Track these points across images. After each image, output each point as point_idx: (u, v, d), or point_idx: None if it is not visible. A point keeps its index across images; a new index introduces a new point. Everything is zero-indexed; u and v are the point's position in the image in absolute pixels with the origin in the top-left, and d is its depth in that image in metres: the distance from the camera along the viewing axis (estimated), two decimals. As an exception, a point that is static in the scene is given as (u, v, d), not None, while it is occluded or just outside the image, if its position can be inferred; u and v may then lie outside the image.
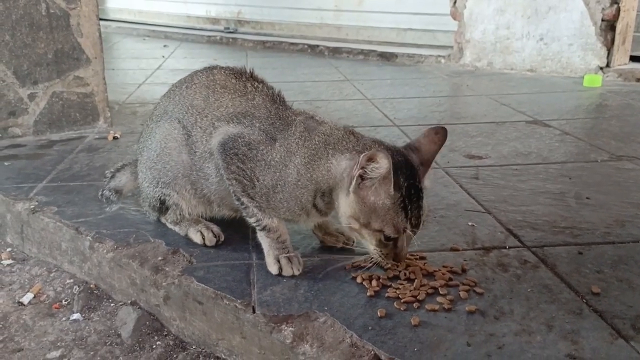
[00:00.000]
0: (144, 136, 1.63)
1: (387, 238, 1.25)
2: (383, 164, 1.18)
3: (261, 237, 1.43)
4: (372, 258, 1.31)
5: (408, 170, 1.24)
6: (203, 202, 1.55)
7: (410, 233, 1.25)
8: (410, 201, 1.23)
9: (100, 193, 1.82)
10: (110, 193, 1.79)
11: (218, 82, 1.50)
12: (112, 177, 1.82)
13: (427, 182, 1.32)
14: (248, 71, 1.53)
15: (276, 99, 1.47)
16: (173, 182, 1.53)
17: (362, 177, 1.22)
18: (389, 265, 1.35)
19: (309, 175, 1.32)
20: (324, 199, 1.34)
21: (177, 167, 1.51)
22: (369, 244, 1.29)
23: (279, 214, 1.39)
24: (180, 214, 1.58)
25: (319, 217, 1.42)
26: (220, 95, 1.47)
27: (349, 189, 1.24)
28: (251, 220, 1.42)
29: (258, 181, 1.36)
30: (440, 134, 1.31)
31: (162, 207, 1.60)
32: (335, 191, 1.30)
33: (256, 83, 1.50)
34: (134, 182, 1.77)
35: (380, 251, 1.28)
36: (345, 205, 1.27)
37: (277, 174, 1.34)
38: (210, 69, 1.56)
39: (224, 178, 1.40)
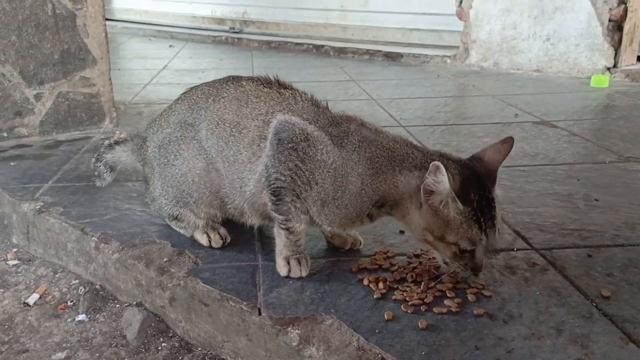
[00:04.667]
0: (161, 141, 1.53)
1: (463, 251, 1.25)
2: (441, 179, 1.19)
3: (278, 234, 1.40)
4: (448, 268, 1.31)
5: (477, 182, 1.25)
6: (232, 214, 1.51)
7: (485, 245, 1.25)
8: (482, 213, 1.23)
9: (93, 161, 1.73)
10: (105, 169, 1.72)
11: (250, 93, 1.45)
12: (111, 148, 1.73)
13: (499, 191, 1.31)
14: (274, 79, 1.49)
15: (317, 103, 1.43)
16: (196, 202, 1.49)
17: (430, 192, 1.22)
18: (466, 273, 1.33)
19: (374, 186, 1.31)
20: (383, 209, 1.34)
21: (205, 186, 1.47)
22: (445, 257, 1.29)
23: (332, 221, 1.35)
24: (192, 222, 1.55)
25: (368, 224, 1.41)
26: (256, 105, 1.42)
27: (421, 201, 1.25)
28: (279, 217, 1.36)
29: (317, 184, 1.32)
30: (507, 143, 1.30)
31: (174, 219, 1.58)
32: (404, 205, 1.30)
33: (289, 90, 1.46)
34: (132, 163, 1.71)
35: (459, 262, 1.28)
36: (419, 218, 1.28)
37: (339, 179, 1.31)
38: (237, 80, 1.50)
39: (271, 169, 1.33)
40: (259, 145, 1.39)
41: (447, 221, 1.23)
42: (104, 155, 1.73)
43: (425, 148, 1.36)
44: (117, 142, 1.74)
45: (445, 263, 1.31)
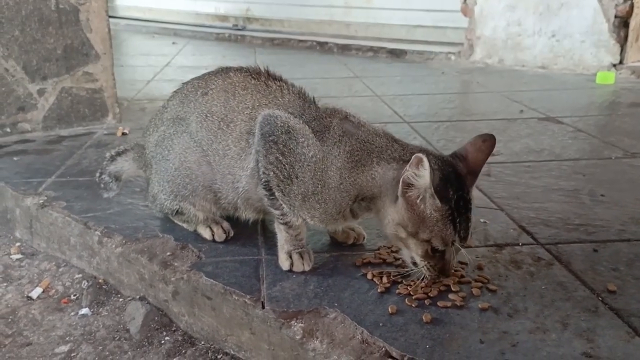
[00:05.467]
0: (157, 139, 1.54)
1: (435, 250, 1.22)
2: (423, 173, 1.15)
3: (279, 229, 1.40)
4: (416, 270, 1.26)
5: (457, 181, 1.20)
6: (226, 209, 1.51)
7: (459, 246, 1.21)
8: (459, 213, 1.19)
9: (98, 175, 1.74)
10: (110, 179, 1.72)
11: (237, 84, 1.45)
12: (113, 160, 1.74)
13: (474, 193, 1.27)
14: (263, 69, 1.48)
15: (305, 97, 1.42)
16: (192, 195, 1.49)
17: (408, 184, 1.18)
18: (434, 276, 1.27)
19: (352, 180, 1.28)
20: (362, 204, 1.31)
21: (197, 180, 1.47)
22: (415, 255, 1.25)
23: (313, 216, 1.33)
24: (193, 216, 1.54)
25: (352, 221, 1.40)
26: (243, 97, 1.42)
27: (397, 194, 1.21)
28: (276, 212, 1.37)
29: (297, 178, 1.30)
30: (488, 141, 1.25)
31: (176, 214, 1.57)
32: (380, 199, 1.27)
33: (277, 82, 1.45)
34: (135, 171, 1.72)
35: (428, 263, 1.23)
36: (393, 212, 1.23)
37: (319, 174, 1.29)
38: (225, 72, 1.50)
39: (259, 165, 1.33)
40: (247, 141, 1.39)
41: (423, 217, 1.19)
42: (107, 167, 1.74)
43: (406, 143, 1.33)
44: (118, 154, 1.74)
45: (414, 264, 1.26)
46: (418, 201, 1.19)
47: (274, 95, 1.41)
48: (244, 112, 1.41)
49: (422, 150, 1.28)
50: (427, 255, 1.23)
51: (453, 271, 1.30)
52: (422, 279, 1.27)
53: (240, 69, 1.49)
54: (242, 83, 1.45)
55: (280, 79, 1.47)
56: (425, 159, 1.14)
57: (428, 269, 1.24)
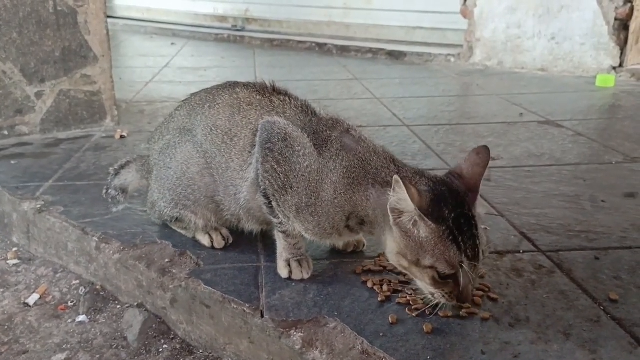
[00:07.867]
0: (162, 147, 1.55)
1: (442, 276, 1.13)
2: (401, 195, 1.10)
3: (278, 237, 1.40)
4: (433, 299, 1.17)
5: (454, 199, 1.14)
6: (229, 221, 1.51)
7: (467, 267, 1.11)
8: (460, 232, 1.12)
9: (104, 191, 1.74)
10: (117, 192, 1.72)
11: (243, 100, 1.45)
12: (117, 174, 1.74)
13: (480, 209, 1.21)
14: (269, 85, 1.48)
15: (307, 111, 1.41)
16: (195, 204, 1.49)
17: (397, 211, 1.14)
18: (453, 304, 1.17)
19: (347, 196, 1.26)
20: (364, 227, 1.29)
21: (200, 191, 1.47)
22: (425, 285, 1.17)
23: (307, 229, 1.32)
24: (193, 224, 1.54)
25: (349, 237, 1.39)
26: (247, 113, 1.43)
27: (391, 222, 1.16)
28: (274, 220, 1.37)
29: (292, 189, 1.30)
30: (482, 154, 1.20)
31: (175, 221, 1.57)
32: (379, 225, 1.24)
33: (281, 96, 1.45)
34: (139, 181, 1.72)
35: (442, 290, 1.15)
36: (392, 241, 1.18)
37: (313, 185, 1.28)
38: (232, 87, 1.51)
39: (258, 173, 1.33)
40: (249, 153, 1.39)
41: (420, 242, 1.13)
42: (112, 182, 1.73)
43: (404, 164, 1.29)
44: (121, 167, 1.74)
45: (431, 294, 1.17)
46: (410, 226, 1.13)
47: (276, 112, 1.42)
48: (247, 127, 1.41)
49: (416, 172, 1.24)
50: (435, 282, 1.14)
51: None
52: (441, 307, 1.18)
53: (247, 85, 1.50)
54: (248, 99, 1.46)
55: (285, 93, 1.47)
56: (399, 180, 1.10)
57: (443, 296, 1.15)
